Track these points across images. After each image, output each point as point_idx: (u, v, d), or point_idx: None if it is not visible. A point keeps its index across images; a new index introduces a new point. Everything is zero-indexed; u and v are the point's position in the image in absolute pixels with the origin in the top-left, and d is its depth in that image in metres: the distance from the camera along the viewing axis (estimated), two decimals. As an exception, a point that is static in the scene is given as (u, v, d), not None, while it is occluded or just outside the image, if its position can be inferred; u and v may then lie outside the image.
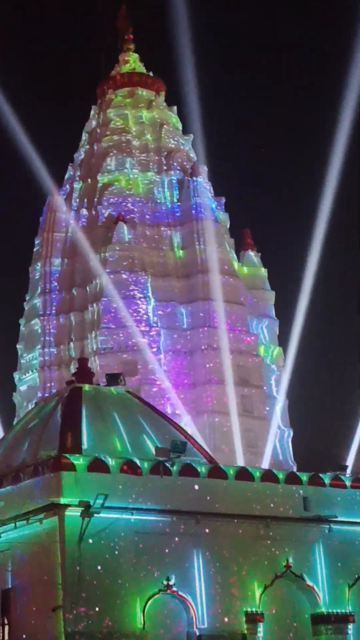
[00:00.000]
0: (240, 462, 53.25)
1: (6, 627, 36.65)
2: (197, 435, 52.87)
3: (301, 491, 40.36)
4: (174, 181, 62.17)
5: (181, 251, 60.45)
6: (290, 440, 60.41)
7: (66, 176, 64.79)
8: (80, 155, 65.08)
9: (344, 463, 47.61)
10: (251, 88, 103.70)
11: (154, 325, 57.53)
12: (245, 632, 37.37)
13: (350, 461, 52.95)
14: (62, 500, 34.87)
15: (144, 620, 35.45)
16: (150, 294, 58.21)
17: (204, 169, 63.66)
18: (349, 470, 44.29)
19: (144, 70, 67.27)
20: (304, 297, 57.81)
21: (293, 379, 59.65)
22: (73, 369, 50.89)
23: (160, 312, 58.39)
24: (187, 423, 54.25)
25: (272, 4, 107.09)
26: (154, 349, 56.82)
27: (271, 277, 64.48)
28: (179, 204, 61.61)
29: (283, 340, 62.90)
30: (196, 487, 37.78)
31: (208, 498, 37.94)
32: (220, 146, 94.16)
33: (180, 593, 36.52)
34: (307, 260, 58.28)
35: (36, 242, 63.17)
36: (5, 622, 36.71)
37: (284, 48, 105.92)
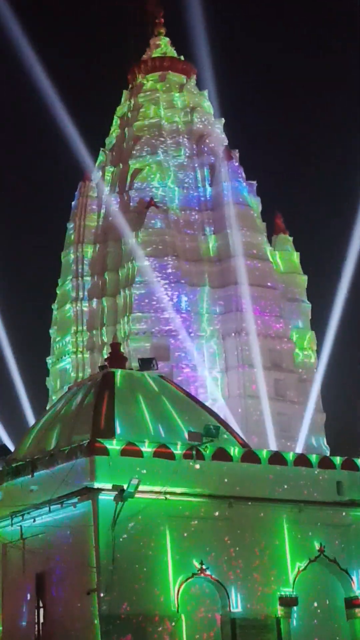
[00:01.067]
0: (273, 446, 53.21)
1: (41, 610, 36.91)
2: (230, 419, 52.87)
3: (334, 475, 40.30)
4: (206, 165, 62.01)
5: (212, 236, 60.32)
6: (323, 424, 60.25)
7: (98, 161, 64.78)
8: (112, 140, 65.05)
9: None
10: (284, 71, 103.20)
11: (186, 309, 57.50)
12: (279, 616, 37.43)
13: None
14: (96, 485, 35.04)
15: (177, 604, 35.59)
16: (182, 279, 58.16)
17: (235, 153, 63.44)
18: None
19: (175, 54, 67.05)
20: (338, 280, 57.62)
21: (326, 363, 59.46)
22: (106, 353, 51.02)
23: (192, 297, 58.33)
24: (220, 407, 54.24)
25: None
26: (186, 334, 56.80)
27: (304, 261, 64.28)
28: (210, 188, 61.46)
29: (316, 324, 62.77)
30: (228, 472, 37.82)
31: (241, 482, 37.97)
32: (253, 130, 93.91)
33: (214, 577, 36.62)
34: (341, 244, 58.07)
35: (68, 227, 63.25)
36: (40, 604, 36.96)
37: (319, 31, 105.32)
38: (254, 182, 63.94)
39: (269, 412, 56.14)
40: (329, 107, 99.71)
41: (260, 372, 56.76)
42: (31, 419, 55.72)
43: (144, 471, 35.77)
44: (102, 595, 34.31)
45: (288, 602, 37.78)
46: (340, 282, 57.83)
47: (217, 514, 37.25)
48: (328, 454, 54.98)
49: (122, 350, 47.27)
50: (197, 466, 37.25)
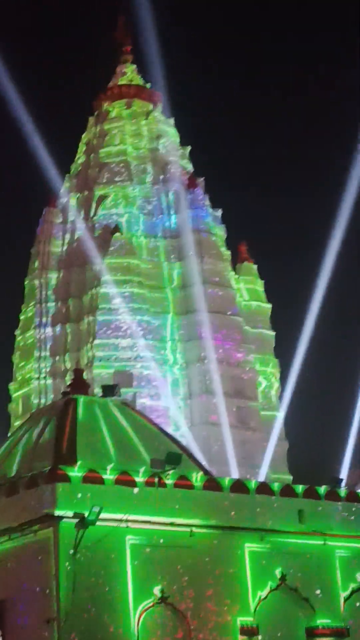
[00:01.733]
0: (236, 474, 53.19)
1: (0, 639, 36.54)
2: (192, 447, 52.82)
3: (296, 504, 40.32)
4: (171, 193, 62.25)
5: (177, 263, 60.51)
6: (286, 452, 60.36)
7: (62, 187, 64.84)
8: (77, 166, 65.17)
9: (339, 476, 47.56)
10: (250, 99, 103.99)
11: (150, 336, 57.53)
12: (240, 645, 37.28)
13: (344, 475, 52.97)
14: (57, 512, 34.80)
15: (138, 633, 35.36)
16: (145, 306, 58.23)
17: (200, 181, 63.76)
18: (343, 484, 44.24)
19: (142, 82, 67.43)
20: (302, 309, 57.94)
21: (289, 392, 59.65)
22: (69, 380, 50.87)
23: (155, 324, 58.41)
24: (182, 435, 54.20)
25: (271, 14, 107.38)
26: (150, 361, 56.80)
27: (268, 289, 64.60)
28: (175, 215, 61.69)
29: (280, 352, 63.02)
30: (190, 500, 37.76)
31: (203, 510, 37.90)
32: (219, 158, 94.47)
33: (175, 606, 36.44)
34: (306, 272, 58.42)
35: (32, 253, 63.18)
36: (0, 633, 36.60)
37: (283, 57, 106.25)
38: (219, 210, 64.27)
39: (231, 440, 56.18)
40: (296, 135, 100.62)
41: (222, 400, 56.86)
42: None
43: (106, 499, 35.60)
44: (62, 623, 34.04)
45: (249, 632, 37.64)
46: (305, 310, 58.20)
47: (178, 541, 37.12)
48: (291, 482, 55.02)
49: (85, 376, 47.11)
50: (159, 494, 37.18)
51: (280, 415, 60.59)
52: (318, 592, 39.62)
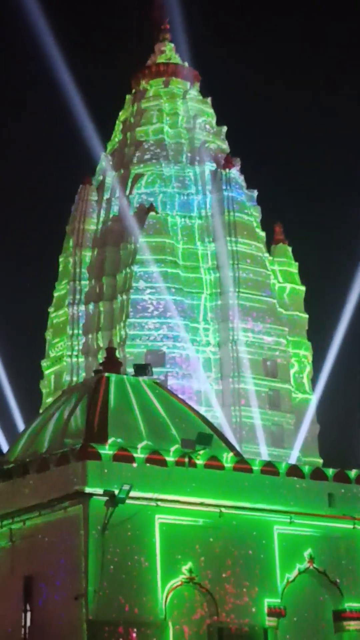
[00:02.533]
0: (266, 456, 53.14)
1: (28, 614, 36.77)
2: (223, 428, 52.80)
3: (326, 487, 40.23)
4: (207, 173, 62.02)
5: (211, 243, 60.32)
6: (317, 435, 60.21)
7: (99, 165, 64.79)
8: (113, 144, 65.07)
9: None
10: (288, 79, 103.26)
11: (183, 316, 57.45)
12: (267, 626, 37.32)
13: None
14: (87, 489, 34.94)
15: (165, 611, 35.47)
16: (180, 285, 58.14)
17: (237, 161, 63.46)
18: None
19: (179, 61, 67.14)
20: (337, 291, 57.67)
21: (322, 375, 59.44)
22: (101, 358, 50.94)
23: (189, 304, 58.32)
24: (213, 416, 54.17)
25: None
26: (182, 341, 56.76)
27: (302, 271, 64.30)
28: (210, 195, 61.46)
29: (313, 335, 62.78)
30: (219, 480, 37.76)
31: (233, 491, 37.89)
32: (255, 139, 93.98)
33: (202, 585, 36.51)
34: (341, 255, 58.11)
35: (67, 231, 63.23)
36: (28, 608, 36.82)
37: (322, 41, 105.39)
38: (255, 191, 63.97)
39: (262, 422, 56.10)
40: (333, 116, 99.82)
41: (258, 382, 56.75)
42: (24, 422, 55.63)
43: (136, 477, 35.67)
44: (89, 600, 34.19)
45: (276, 613, 37.68)
46: (339, 293, 57.93)
47: (207, 522, 37.16)
48: (321, 465, 54.89)
49: (117, 355, 47.18)
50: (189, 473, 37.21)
51: (313, 398, 60.42)
52: (346, 575, 39.56)
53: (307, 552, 38.99)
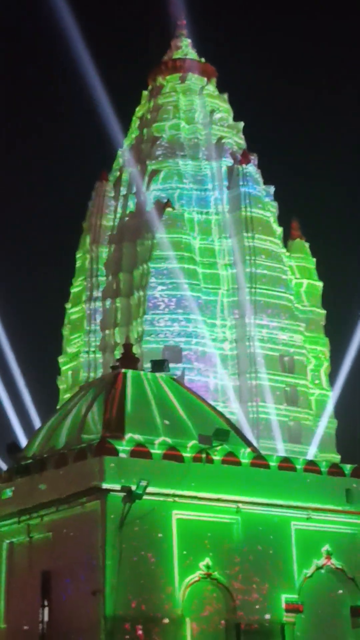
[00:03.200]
0: (283, 452, 53.09)
1: (46, 609, 36.86)
2: (240, 424, 52.76)
3: (344, 483, 40.15)
4: (224, 168, 61.94)
5: (228, 239, 60.27)
6: (335, 431, 60.12)
7: (115, 161, 64.81)
8: (130, 140, 65.07)
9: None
10: (305, 77, 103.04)
11: (200, 312, 57.44)
12: (284, 622, 37.30)
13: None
14: (105, 485, 34.97)
15: (183, 607, 35.49)
16: (197, 281, 58.11)
17: (254, 157, 63.37)
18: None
19: (196, 56, 67.07)
20: (354, 287, 57.56)
21: (339, 370, 59.36)
22: (118, 354, 50.97)
23: (206, 300, 58.28)
24: (231, 412, 54.14)
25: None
26: (200, 337, 56.74)
27: (320, 267, 64.18)
28: (227, 191, 61.40)
29: (330, 330, 62.67)
30: (237, 476, 37.76)
31: (250, 487, 37.87)
32: (272, 134, 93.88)
33: (220, 581, 36.52)
34: (357, 250, 58.02)
35: (84, 227, 63.28)
36: (45, 603, 36.91)
37: (337, 37, 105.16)
38: (272, 187, 63.88)
39: (279, 417, 56.04)
40: (352, 113, 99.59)
41: (271, 378, 56.68)
42: (41, 418, 55.76)
43: (153, 473, 35.69)
44: (107, 596, 34.24)
45: (293, 609, 37.65)
46: (357, 288, 57.81)
47: (225, 517, 37.16)
48: (339, 461, 54.80)
49: (134, 351, 47.20)
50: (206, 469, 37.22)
51: (330, 394, 60.31)
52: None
53: (324, 548, 38.93)
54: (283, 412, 56.69)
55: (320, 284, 63.48)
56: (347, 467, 40.88)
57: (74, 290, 62.60)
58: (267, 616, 37.06)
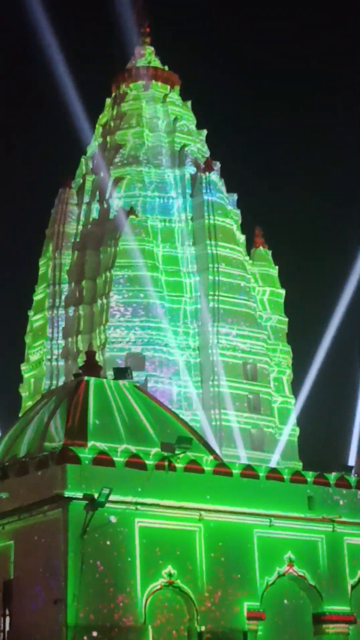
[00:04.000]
0: (246, 459, 53.16)
1: (7, 618, 36.67)
2: (203, 431, 52.80)
3: (306, 490, 40.32)
4: (187, 176, 62.06)
5: (192, 247, 60.36)
6: (297, 438, 60.34)
7: (79, 169, 64.74)
8: (93, 148, 65.03)
9: (349, 464, 47.53)
10: (267, 84, 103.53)
11: (164, 319, 57.47)
12: (247, 630, 37.34)
13: (352, 461, 53.00)
14: (67, 493, 34.86)
15: (145, 615, 35.44)
16: (160, 289, 58.15)
17: (216, 165, 63.54)
18: (353, 471, 44.21)
19: (159, 64, 67.19)
20: (316, 294, 57.83)
21: (302, 378, 59.63)
22: (81, 362, 50.87)
23: (170, 307, 58.32)
24: (193, 419, 54.17)
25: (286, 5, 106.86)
26: (163, 344, 56.76)
27: (282, 274, 64.45)
28: (190, 199, 61.51)
29: (293, 338, 62.91)
30: (199, 484, 37.79)
31: (212, 494, 37.90)
32: (235, 142, 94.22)
33: (182, 589, 36.51)
34: (319, 258, 58.28)
35: (47, 234, 63.14)
36: (7, 612, 36.72)
37: (298, 45, 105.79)
38: (235, 194, 64.09)
39: (242, 425, 56.14)
40: (315, 121, 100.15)
41: (234, 386, 56.79)
42: (3, 426, 55.44)
43: (116, 481, 35.63)
44: (69, 604, 34.12)
45: (256, 616, 37.70)
46: (319, 296, 58.11)
47: (187, 525, 37.15)
48: (301, 468, 54.99)
49: (97, 358, 47.15)
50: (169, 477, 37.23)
51: (293, 402, 60.54)
52: (326, 578, 39.66)
53: (286, 556, 39.03)
54: (245, 420, 56.80)
55: (282, 292, 63.75)
56: (309, 475, 41.05)
57: (36, 297, 62.42)
58: (230, 624, 37.09)
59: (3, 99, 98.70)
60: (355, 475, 43.35)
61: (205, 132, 65.70)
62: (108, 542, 35.31)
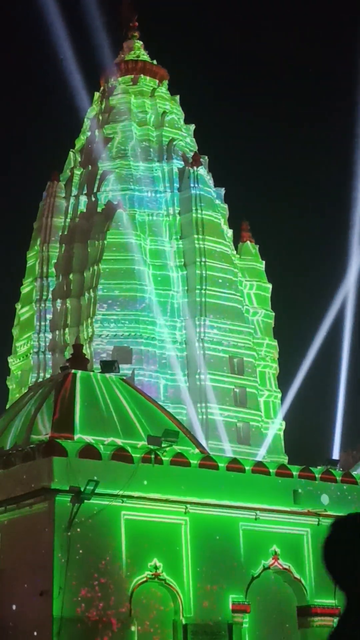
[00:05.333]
0: (232, 453, 53.30)
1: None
2: (190, 425, 52.93)
3: (291, 484, 40.49)
4: (175, 170, 62.09)
5: (179, 241, 60.41)
6: (282, 432, 60.53)
7: (67, 162, 64.71)
8: (81, 141, 65.01)
9: (335, 457, 47.73)
10: (254, 78, 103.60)
11: (151, 313, 57.54)
12: (232, 622, 37.51)
13: (337, 455, 53.21)
14: (53, 486, 34.95)
15: (131, 607, 35.57)
16: (148, 282, 58.20)
17: (204, 159, 63.61)
18: (339, 465, 44.43)
19: (148, 59, 67.17)
20: (302, 289, 57.95)
21: (288, 372, 59.81)
22: (68, 355, 50.93)
23: (156, 301, 58.39)
24: (180, 412, 54.27)
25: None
26: (150, 337, 56.82)
27: (268, 269, 64.58)
28: (178, 193, 61.55)
29: (279, 332, 63.07)
30: (185, 477, 37.90)
31: (198, 487, 38.04)
32: (223, 137, 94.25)
33: (167, 581, 36.65)
34: (306, 252, 58.45)
35: (35, 227, 63.12)
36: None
37: (286, 41, 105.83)
38: (222, 189, 64.15)
39: (228, 419, 56.26)
40: (300, 115, 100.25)
41: (225, 379, 56.89)
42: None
43: (102, 474, 35.74)
44: (55, 597, 34.22)
45: (241, 609, 37.87)
46: (306, 290, 58.27)
47: (173, 518, 37.29)
48: (286, 462, 55.20)
49: (84, 352, 47.18)
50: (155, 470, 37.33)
51: (279, 396, 60.70)
52: (311, 572, 39.86)
53: (272, 549, 39.21)
54: (232, 414, 56.92)
55: (269, 286, 63.86)
56: (295, 469, 41.23)
57: (24, 290, 62.41)
58: (215, 617, 37.26)
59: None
60: (340, 469, 43.58)
61: (193, 126, 65.75)
62: (94, 535, 35.43)
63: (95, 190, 61.39)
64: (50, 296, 60.36)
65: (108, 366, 43.51)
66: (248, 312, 61.29)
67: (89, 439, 37.32)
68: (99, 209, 60.51)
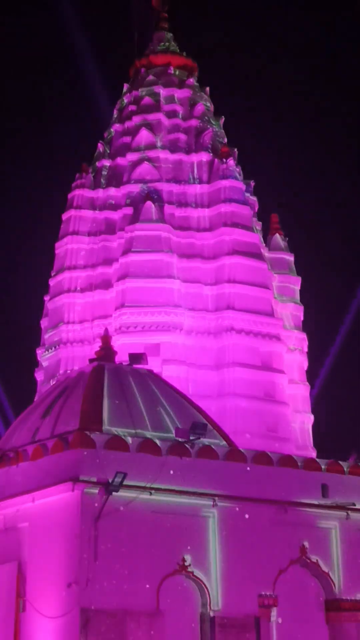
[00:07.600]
0: (260, 446, 53.12)
1: (21, 601, 36.83)
2: (218, 417, 52.78)
3: (320, 477, 40.34)
4: (204, 162, 61.91)
5: (207, 233, 60.22)
6: (311, 426, 60.29)
7: (95, 154, 64.68)
8: (110, 133, 64.95)
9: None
10: (285, 70, 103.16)
11: (179, 306, 57.43)
12: (259, 615, 37.44)
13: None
14: (81, 477, 34.99)
15: (158, 600, 35.56)
16: (175, 275, 58.09)
17: (234, 152, 63.37)
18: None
19: (178, 50, 66.97)
20: (332, 282, 57.67)
21: (316, 366, 59.61)
22: (96, 347, 50.95)
23: (185, 293, 58.25)
24: (208, 405, 54.12)
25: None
26: (178, 330, 56.73)
27: (298, 262, 64.34)
28: (207, 185, 61.36)
29: (307, 326, 62.81)
30: (213, 470, 37.84)
31: (226, 481, 37.97)
32: (253, 129, 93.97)
33: (195, 574, 36.61)
34: (337, 246, 58.16)
35: (63, 219, 63.14)
36: (21, 595, 36.88)
37: (323, 31, 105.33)
38: (252, 181, 63.92)
39: (256, 412, 56.06)
40: (331, 107, 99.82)
41: (254, 372, 56.67)
42: (19, 410, 55.65)
43: (130, 465, 35.73)
44: (82, 589, 34.26)
45: (268, 602, 37.80)
46: (336, 283, 57.98)
47: (201, 511, 37.22)
48: (315, 456, 54.98)
49: (112, 344, 47.16)
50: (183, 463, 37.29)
51: (307, 389, 60.47)
52: (339, 566, 39.72)
53: (300, 542, 39.10)
54: (260, 407, 56.69)
55: (299, 279, 63.59)
56: (323, 462, 41.07)
57: (53, 282, 62.45)
58: (242, 610, 37.20)
59: (22, 86, 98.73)
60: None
61: (222, 118, 65.50)
62: (121, 527, 35.44)
63: (123, 182, 61.33)
64: (78, 288, 60.39)
65: (136, 359, 43.52)
66: (277, 305, 61.07)
67: (117, 431, 37.31)
68: (127, 201, 60.45)
